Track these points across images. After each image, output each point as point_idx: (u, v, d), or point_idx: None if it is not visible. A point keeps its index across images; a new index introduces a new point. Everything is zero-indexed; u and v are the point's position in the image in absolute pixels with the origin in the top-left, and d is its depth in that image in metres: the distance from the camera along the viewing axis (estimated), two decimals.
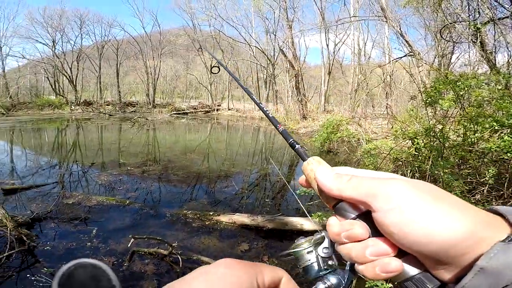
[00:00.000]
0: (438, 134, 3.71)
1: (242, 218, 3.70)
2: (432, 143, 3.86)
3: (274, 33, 21.08)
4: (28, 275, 2.62)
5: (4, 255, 2.78)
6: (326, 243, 0.36)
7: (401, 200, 0.25)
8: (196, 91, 36.32)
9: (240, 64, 28.54)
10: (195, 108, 25.92)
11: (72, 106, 24.31)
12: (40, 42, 26.45)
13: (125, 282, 2.56)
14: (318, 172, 0.34)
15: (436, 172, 3.37)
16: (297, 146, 0.43)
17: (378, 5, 10.36)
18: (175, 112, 23.37)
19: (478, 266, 0.22)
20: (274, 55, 22.21)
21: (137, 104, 27.52)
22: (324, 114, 16.17)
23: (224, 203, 4.52)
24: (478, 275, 0.22)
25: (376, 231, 0.28)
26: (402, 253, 0.27)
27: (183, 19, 44.00)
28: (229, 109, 26.53)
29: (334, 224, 0.31)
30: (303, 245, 0.37)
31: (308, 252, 0.36)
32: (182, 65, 33.84)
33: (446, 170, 3.22)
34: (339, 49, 21.98)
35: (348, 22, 15.82)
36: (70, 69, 26.19)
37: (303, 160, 0.39)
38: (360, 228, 0.29)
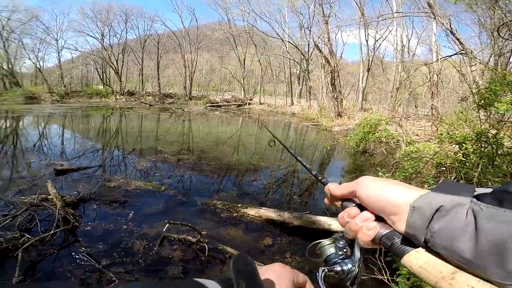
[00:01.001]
0: (490, 140, 3.35)
1: (268, 213, 3.69)
2: (483, 149, 3.51)
3: (309, 28, 20.51)
4: (67, 254, 2.79)
5: (50, 233, 2.94)
6: (342, 239, 0.48)
7: (368, 183, 0.43)
8: (229, 85, 36.94)
9: (273, 59, 28.36)
10: (228, 101, 26.40)
11: (117, 96, 26.20)
12: (91, 36, 28.70)
13: (153, 266, 2.66)
14: (328, 185, 0.52)
15: (484, 180, 3.06)
16: (319, 177, 0.64)
17: (424, 1, 9.53)
18: (209, 105, 24.04)
19: (411, 206, 0.36)
20: (308, 50, 21.67)
21: (175, 95, 28.73)
22: (361, 112, 15.46)
23: (251, 196, 4.55)
24: (413, 211, 0.36)
25: (362, 209, 0.44)
26: (378, 219, 0.42)
27: (218, 13, 44.63)
28: (260, 103, 26.61)
29: (341, 215, 0.47)
30: (325, 241, 0.50)
31: (329, 245, 0.49)
32: (217, 59, 34.54)
33: (497, 179, 2.91)
34: (379, 45, 20.76)
35: (390, 18, 14.83)
36: (116, 61, 28.08)
37: (325, 185, 0.54)
38: (353, 208, 0.45)
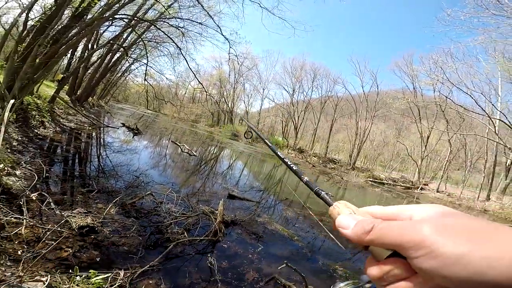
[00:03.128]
0: None
1: None
2: None
3: None
4: (199, 260, 3.16)
5: (200, 238, 3.60)
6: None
7: (431, 245, 0.25)
8: (401, 163, 32.77)
9: (470, 141, 22.14)
10: (395, 180, 23.32)
11: (290, 150, 29.87)
12: (285, 90, 34.54)
13: None
14: (338, 221, 0.35)
15: None
16: (322, 193, 0.46)
17: None
18: (371, 179, 22.31)
19: None
20: None
21: (338, 162, 28.91)
22: None
23: None
24: None
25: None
26: None
27: (403, 81, 41.33)
28: (437, 191, 21.39)
29: (373, 268, 0.31)
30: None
31: None
32: (393, 131, 31.79)
33: None
34: None
35: None
36: (298, 117, 32.33)
37: (329, 206, 0.40)
38: (401, 267, 0.28)
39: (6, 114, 3.22)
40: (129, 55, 18.44)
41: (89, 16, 7.42)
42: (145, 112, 32.04)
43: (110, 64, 16.51)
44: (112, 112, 20.45)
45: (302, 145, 32.59)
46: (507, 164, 19.20)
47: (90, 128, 10.33)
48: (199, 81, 18.37)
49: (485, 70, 18.31)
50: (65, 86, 11.61)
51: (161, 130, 19.60)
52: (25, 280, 1.83)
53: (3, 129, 3.05)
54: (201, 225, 4.05)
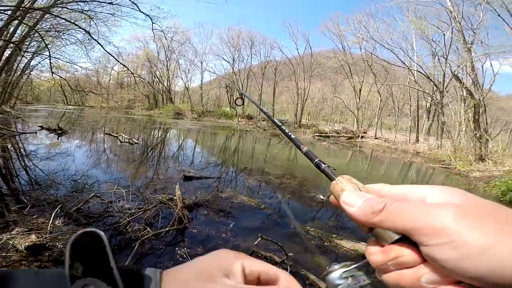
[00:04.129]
0: None
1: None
2: None
3: (445, 57, 17.46)
4: (171, 251, 3.07)
5: (166, 229, 3.38)
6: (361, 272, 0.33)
7: (453, 234, 0.23)
8: (341, 115, 35.78)
9: (395, 90, 25.59)
10: (338, 132, 25.45)
11: (239, 118, 29.96)
12: (225, 60, 34.06)
13: None
14: (343, 198, 0.31)
15: None
16: (323, 166, 0.42)
17: None
18: (317, 134, 23.91)
19: None
20: (444, 81, 18.47)
21: (285, 122, 30.13)
22: None
23: (349, 230, 4.15)
24: None
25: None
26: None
27: (333, 41, 44.01)
28: (376, 138, 24.22)
29: (376, 252, 0.28)
30: (336, 271, 0.34)
31: (341, 278, 0.33)
32: (330, 88, 34.21)
33: None
34: None
35: None
36: (242, 85, 32.24)
37: (331, 180, 0.37)
38: (410, 254, 0.26)
39: None
40: (23, 50, 15.73)
41: None
42: (66, 109, 28.01)
43: (1, 63, 13.59)
44: (24, 116, 17.26)
45: (249, 112, 32.87)
46: (427, 107, 22.94)
47: (0, 139, 8.57)
48: (122, 64, 16.63)
49: (401, 28, 21.33)
50: None
51: (91, 124, 17.39)
52: None
53: None
54: (162, 215, 3.80)
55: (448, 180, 10.01)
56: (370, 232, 0.30)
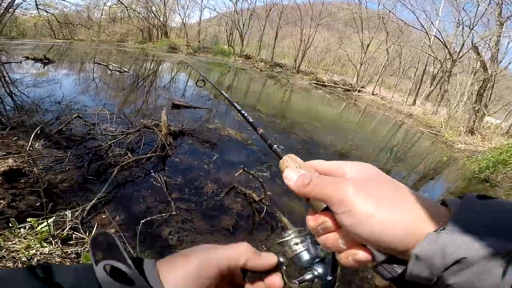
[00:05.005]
0: None
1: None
2: None
3: (471, 27, 16.52)
4: (150, 180, 3.01)
5: (147, 156, 3.33)
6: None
7: (350, 204, 0.28)
8: (342, 68, 34.49)
9: (405, 51, 24.43)
10: (335, 83, 24.75)
11: (236, 57, 28.53)
12: None
13: (211, 211, 2.75)
14: (285, 173, 0.37)
15: None
16: (274, 146, 0.48)
17: None
18: (314, 82, 23.26)
19: (414, 254, 0.25)
20: (460, 51, 17.82)
21: (284, 66, 29.02)
22: (506, 137, 12.09)
23: None
24: (416, 262, 0.25)
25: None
26: None
27: None
28: (373, 94, 23.81)
29: (310, 218, 0.34)
30: (291, 235, 0.39)
31: (296, 243, 0.38)
32: (336, 39, 32.33)
33: None
34: None
35: None
36: (243, 25, 30.10)
37: (280, 158, 0.42)
38: (329, 221, 0.32)
39: None
40: None
41: None
42: (53, 43, 26.14)
43: None
44: (8, 49, 16.00)
45: (248, 52, 31.27)
46: (434, 73, 22.34)
47: None
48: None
49: None
50: None
51: (81, 55, 16.32)
52: None
53: None
54: (145, 141, 3.72)
55: (432, 147, 10.13)
56: (308, 202, 0.35)
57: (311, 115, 9.31)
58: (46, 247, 1.90)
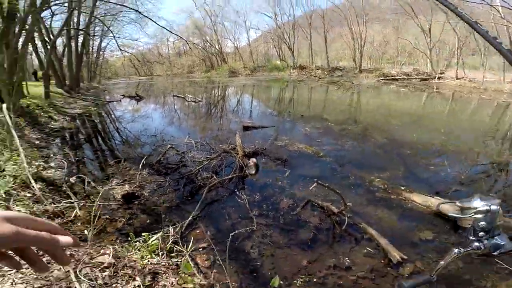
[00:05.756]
0: None
1: (445, 205, 2.80)
2: None
3: None
4: (233, 199, 3.21)
5: (229, 177, 3.61)
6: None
7: None
8: (410, 57, 30.86)
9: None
10: (408, 74, 22.17)
11: (291, 70, 28.77)
12: (266, 15, 32.43)
13: (289, 225, 2.71)
14: None
15: None
16: None
17: None
18: (382, 78, 21.39)
19: None
20: None
21: (343, 69, 27.72)
22: None
23: (422, 182, 3.64)
24: None
25: None
26: None
27: None
28: (457, 78, 20.34)
29: None
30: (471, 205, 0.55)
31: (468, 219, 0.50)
32: (391, 30, 29.37)
33: None
34: None
35: None
36: (289, 37, 30.23)
37: None
38: None
39: (6, 115, 3.08)
40: (92, 34, 18.96)
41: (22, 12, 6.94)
42: (139, 80, 32.05)
43: (79, 48, 16.23)
44: (109, 89, 20.25)
45: (301, 62, 31.02)
46: None
47: (94, 108, 10.26)
48: (176, 34, 17.98)
49: None
50: (51, 81, 11.38)
51: (161, 90, 19.35)
52: (94, 256, 1.91)
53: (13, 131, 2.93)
54: (225, 164, 4.07)
55: None
56: None
57: (386, 114, 8.52)
58: (155, 258, 2.15)
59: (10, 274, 1.50)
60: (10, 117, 3.21)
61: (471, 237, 0.64)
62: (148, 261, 2.07)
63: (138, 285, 1.70)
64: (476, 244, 0.63)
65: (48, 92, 9.65)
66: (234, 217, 2.87)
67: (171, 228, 2.52)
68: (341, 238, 2.55)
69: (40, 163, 3.74)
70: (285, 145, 5.11)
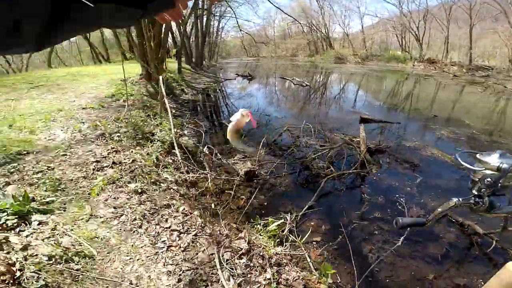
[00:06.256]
0: None
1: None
2: None
3: None
4: (350, 195, 2.97)
5: (349, 171, 3.31)
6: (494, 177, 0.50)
7: None
8: None
9: None
10: None
11: (415, 62, 24.70)
12: (388, 2, 28.09)
13: (417, 236, 2.40)
14: None
15: None
16: None
17: None
18: None
19: None
20: None
21: (492, 69, 21.73)
22: None
23: None
24: None
25: None
26: None
27: None
28: None
29: None
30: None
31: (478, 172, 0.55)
32: None
33: None
34: None
35: None
36: (417, 27, 25.77)
37: None
38: None
39: (162, 86, 3.62)
40: (214, 14, 20.36)
41: None
42: (247, 60, 34.60)
43: (204, 28, 17.66)
44: (224, 67, 22.65)
45: (430, 55, 26.08)
46: None
47: (215, 84, 11.47)
48: (287, 14, 17.87)
49: None
50: (182, 58, 13.22)
51: (266, 70, 20.10)
52: (233, 239, 1.98)
53: (166, 101, 3.41)
54: (344, 155, 3.70)
55: None
56: None
57: None
58: (278, 247, 2.07)
59: (162, 253, 1.65)
60: (162, 88, 3.72)
61: (473, 191, 0.63)
62: (274, 250, 2.02)
63: (269, 278, 1.64)
64: (476, 199, 0.62)
65: (180, 68, 11.23)
66: (353, 216, 2.64)
67: (288, 216, 2.46)
68: (476, 259, 2.28)
69: (178, 130, 4.25)
70: (414, 147, 4.36)
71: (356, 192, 3.06)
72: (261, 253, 1.90)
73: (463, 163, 0.71)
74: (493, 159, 0.62)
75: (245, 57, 39.55)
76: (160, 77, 3.71)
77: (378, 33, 31.97)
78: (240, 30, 16.45)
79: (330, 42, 34.56)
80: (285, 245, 2.13)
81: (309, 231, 2.35)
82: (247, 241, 1.96)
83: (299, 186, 3.15)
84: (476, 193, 0.64)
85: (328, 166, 3.41)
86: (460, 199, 0.68)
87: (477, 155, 0.66)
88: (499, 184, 0.60)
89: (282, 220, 2.38)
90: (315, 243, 2.28)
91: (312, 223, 2.51)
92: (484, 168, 0.62)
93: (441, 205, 0.75)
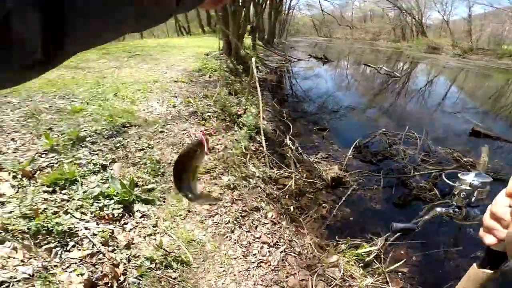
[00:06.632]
0: None
1: None
2: None
3: None
4: (458, 229, 2.44)
5: (462, 204, 2.66)
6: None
7: None
8: None
9: None
10: None
11: None
12: None
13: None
14: None
15: None
16: None
17: None
18: None
19: None
20: None
21: None
22: None
23: None
24: None
25: None
26: None
27: None
28: None
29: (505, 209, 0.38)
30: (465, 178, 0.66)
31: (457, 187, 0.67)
32: None
33: None
34: None
35: None
36: None
37: None
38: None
39: (254, 66, 3.40)
40: None
41: None
42: (317, 40, 32.46)
43: (277, 5, 17.03)
44: (294, 46, 21.55)
45: None
46: None
47: (287, 64, 10.95)
48: None
49: None
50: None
51: (338, 53, 18.43)
52: (324, 263, 1.79)
53: (255, 74, 3.18)
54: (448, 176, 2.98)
55: None
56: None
57: None
58: (368, 279, 1.80)
59: (254, 269, 1.48)
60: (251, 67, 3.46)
61: (453, 203, 0.71)
62: (365, 281, 1.77)
63: None
64: (456, 209, 0.70)
65: (254, 44, 10.94)
66: (451, 253, 2.19)
67: (379, 240, 2.11)
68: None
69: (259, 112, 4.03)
70: None
71: (464, 228, 2.42)
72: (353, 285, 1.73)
73: (446, 180, 0.79)
74: (469, 177, 0.68)
75: (313, 37, 37.52)
76: (253, 59, 3.47)
77: (490, 24, 26.47)
78: (321, 9, 15.06)
79: (422, 28, 30.09)
80: (368, 270, 1.90)
81: (394, 259, 2.03)
82: (341, 271, 1.76)
83: (392, 205, 2.70)
84: (455, 204, 0.71)
85: (431, 189, 2.82)
86: (443, 209, 0.75)
87: (459, 174, 0.72)
88: (473, 197, 0.68)
89: (375, 248, 2.05)
90: (400, 273, 1.97)
91: (402, 252, 2.15)
92: (461, 184, 0.69)
93: (428, 213, 0.85)
